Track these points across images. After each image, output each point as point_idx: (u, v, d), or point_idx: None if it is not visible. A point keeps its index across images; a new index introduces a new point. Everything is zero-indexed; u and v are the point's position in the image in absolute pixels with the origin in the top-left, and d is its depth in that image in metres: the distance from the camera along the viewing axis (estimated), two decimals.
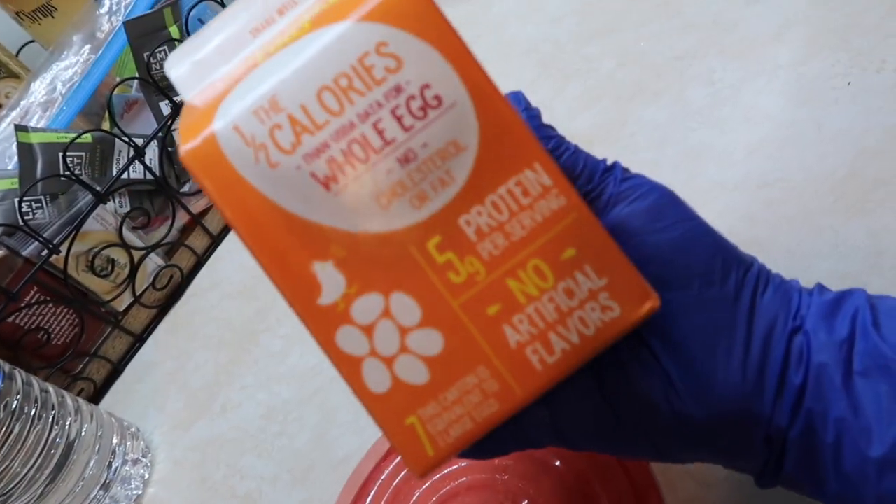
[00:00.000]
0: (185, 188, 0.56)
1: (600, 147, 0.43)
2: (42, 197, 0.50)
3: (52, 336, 0.49)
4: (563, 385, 0.19)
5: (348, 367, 0.19)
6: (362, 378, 0.19)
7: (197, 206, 0.56)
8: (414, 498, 0.34)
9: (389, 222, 0.18)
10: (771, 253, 0.34)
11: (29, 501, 0.38)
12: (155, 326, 0.54)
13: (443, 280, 0.19)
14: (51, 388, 0.41)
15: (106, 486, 0.41)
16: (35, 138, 0.52)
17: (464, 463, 0.33)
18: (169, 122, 0.52)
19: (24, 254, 0.47)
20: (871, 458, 0.20)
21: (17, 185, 0.51)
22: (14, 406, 0.37)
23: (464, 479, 0.33)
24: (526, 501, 0.31)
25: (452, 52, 0.18)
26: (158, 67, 0.55)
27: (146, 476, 0.44)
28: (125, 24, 0.57)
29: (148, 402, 0.49)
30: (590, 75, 0.47)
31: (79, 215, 0.48)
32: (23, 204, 0.49)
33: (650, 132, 0.42)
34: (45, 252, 0.47)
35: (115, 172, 0.52)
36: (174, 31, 0.56)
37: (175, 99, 0.53)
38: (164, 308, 0.54)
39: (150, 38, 0.57)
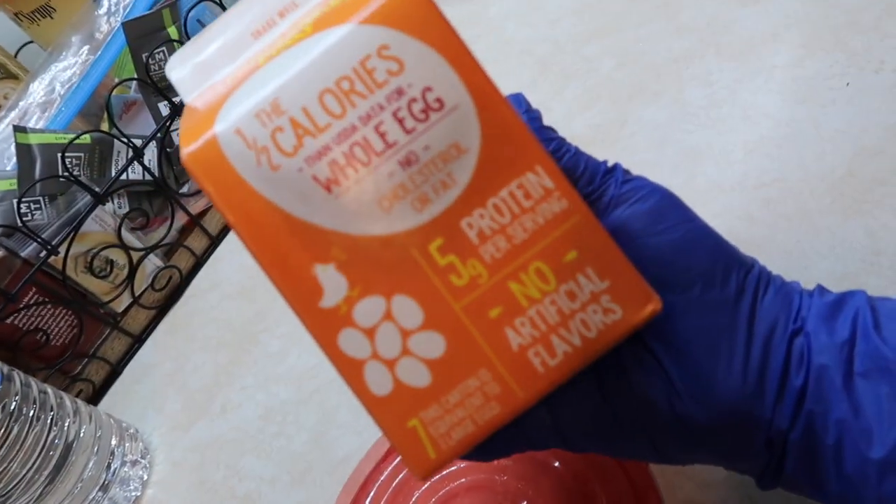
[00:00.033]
0: (184, 189, 0.56)
1: (599, 147, 0.43)
2: (41, 198, 0.49)
3: (51, 337, 0.48)
4: (564, 387, 0.19)
5: (350, 370, 0.19)
6: (364, 381, 0.19)
7: (196, 207, 0.56)
8: (413, 498, 0.34)
9: (391, 225, 0.18)
10: (769, 253, 0.34)
11: (28, 502, 0.38)
12: (154, 327, 0.54)
13: (445, 283, 0.18)
14: (49, 390, 0.41)
15: (105, 488, 0.41)
16: (34, 139, 0.52)
17: (463, 464, 0.33)
18: (168, 123, 0.52)
19: (22, 255, 0.47)
20: (872, 459, 0.20)
21: (15, 186, 0.51)
22: (13, 407, 0.37)
23: (463, 479, 0.33)
24: (525, 502, 0.31)
25: (454, 55, 0.18)
26: (157, 68, 0.55)
27: (145, 477, 0.44)
28: (124, 24, 0.57)
29: (147, 403, 0.48)
30: (589, 75, 0.47)
31: (77, 216, 0.48)
32: (21, 205, 0.49)
33: (649, 132, 0.42)
34: (43, 253, 0.46)
35: (113, 173, 0.52)
36: (173, 31, 0.56)
37: (174, 100, 0.53)
38: (163, 309, 0.54)
39: (148, 38, 0.57)
